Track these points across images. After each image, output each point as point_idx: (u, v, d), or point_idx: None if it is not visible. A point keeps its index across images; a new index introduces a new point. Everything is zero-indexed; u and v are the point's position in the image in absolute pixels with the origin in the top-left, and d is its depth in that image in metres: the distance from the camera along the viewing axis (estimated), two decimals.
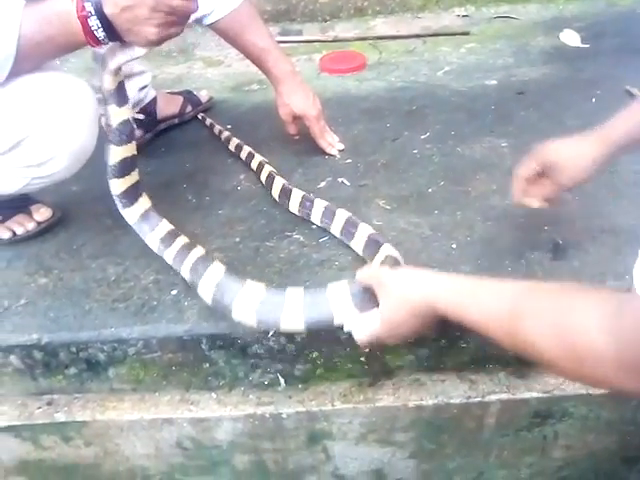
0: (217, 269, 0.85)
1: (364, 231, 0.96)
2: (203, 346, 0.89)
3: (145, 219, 0.97)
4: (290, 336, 0.88)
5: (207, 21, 1.13)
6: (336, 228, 1.01)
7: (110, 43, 0.82)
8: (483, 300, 0.62)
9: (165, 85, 1.63)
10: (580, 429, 1.00)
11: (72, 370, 0.93)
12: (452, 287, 0.67)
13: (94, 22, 0.78)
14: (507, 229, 1.01)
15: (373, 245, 0.92)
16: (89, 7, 0.78)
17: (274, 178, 1.13)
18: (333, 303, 0.78)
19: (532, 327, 0.55)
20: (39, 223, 1.09)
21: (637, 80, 1.42)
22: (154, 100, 1.35)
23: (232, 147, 1.30)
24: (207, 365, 0.92)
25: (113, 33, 0.80)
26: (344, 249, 0.99)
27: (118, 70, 0.86)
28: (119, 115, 0.90)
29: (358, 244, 0.97)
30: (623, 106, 1.35)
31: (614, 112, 1.34)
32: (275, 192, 1.12)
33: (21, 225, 1.08)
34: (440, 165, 1.19)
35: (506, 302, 0.60)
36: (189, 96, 1.44)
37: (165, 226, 0.97)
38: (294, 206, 1.07)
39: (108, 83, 0.87)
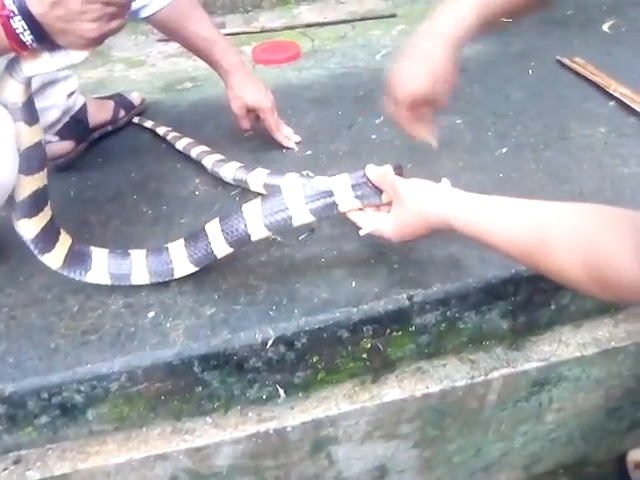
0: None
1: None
2: (195, 369, 0.81)
3: (74, 259, 0.85)
4: (290, 344, 0.82)
5: (145, 13, 1.03)
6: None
7: (37, 47, 0.68)
8: (504, 220, 0.63)
9: (87, 91, 1.48)
10: (572, 391, 1.03)
11: (43, 419, 0.81)
12: (470, 205, 0.67)
13: (18, 23, 0.65)
14: None
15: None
16: (10, 4, 0.65)
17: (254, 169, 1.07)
18: (336, 193, 0.79)
19: (557, 249, 0.57)
20: None
21: (564, 50, 1.48)
22: (84, 107, 1.22)
23: (180, 147, 1.20)
24: (200, 388, 0.84)
25: (43, 35, 0.67)
26: (327, 244, 0.94)
27: (30, 79, 0.72)
28: (29, 136, 0.75)
29: None
30: (557, 76, 1.43)
31: (551, 82, 1.42)
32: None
33: None
34: (402, 148, 1.16)
35: (529, 223, 0.60)
36: (120, 99, 1.32)
37: (101, 255, 0.86)
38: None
39: (17, 95, 0.72)
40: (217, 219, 0.83)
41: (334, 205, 0.80)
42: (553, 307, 0.94)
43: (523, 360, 0.94)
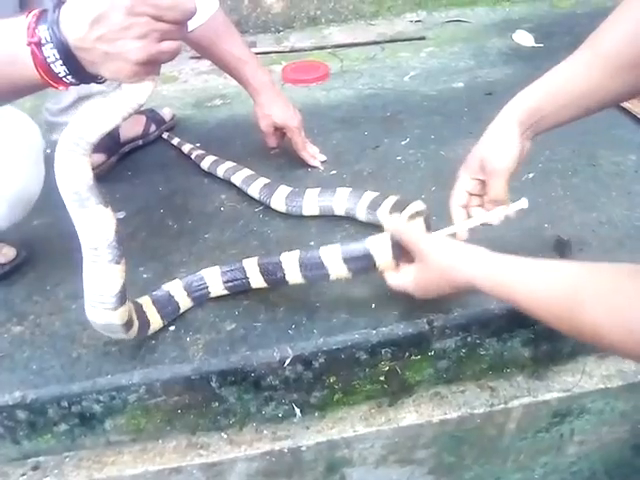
0: None
1: (390, 199, 0.97)
2: (213, 384, 0.81)
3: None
4: (308, 363, 0.82)
5: None
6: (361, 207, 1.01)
7: (75, 82, 0.60)
8: (534, 281, 0.61)
9: None
10: (595, 423, 1.00)
11: (62, 427, 0.82)
12: (496, 265, 0.66)
13: (50, 52, 0.56)
14: (508, 230, 0.99)
15: (400, 204, 0.92)
16: (43, 32, 0.56)
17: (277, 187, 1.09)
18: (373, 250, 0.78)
19: (595, 311, 0.54)
20: (3, 265, 0.98)
21: None
22: None
23: (205, 166, 1.22)
24: (216, 404, 0.84)
25: (78, 68, 0.58)
26: None
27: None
28: (112, 219, 0.66)
29: (384, 211, 0.96)
30: None
31: None
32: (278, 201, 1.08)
33: None
34: (427, 170, 1.16)
35: (562, 284, 0.58)
36: (152, 115, 1.35)
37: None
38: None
39: (87, 171, 0.63)
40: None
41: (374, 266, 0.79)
42: None
43: (544, 390, 0.91)
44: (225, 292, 0.89)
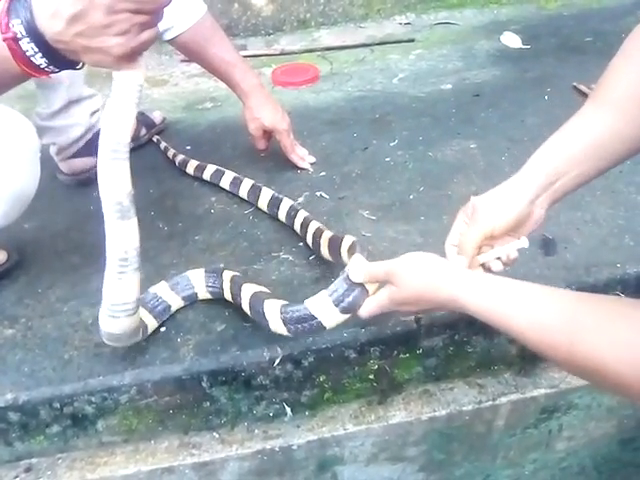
0: None
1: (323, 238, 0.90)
2: (204, 384, 0.82)
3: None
4: (297, 362, 0.83)
5: (167, 36, 1.06)
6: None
7: (56, 70, 0.60)
8: (529, 308, 0.58)
9: None
10: (583, 419, 1.01)
11: (54, 428, 0.83)
12: (485, 287, 0.62)
13: (27, 45, 0.56)
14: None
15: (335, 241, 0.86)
16: (17, 26, 0.55)
17: (260, 189, 1.09)
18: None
19: (596, 343, 0.52)
20: None
21: (581, 76, 1.49)
22: None
23: (191, 170, 1.22)
24: (207, 404, 0.85)
25: (55, 56, 0.58)
26: (336, 264, 0.95)
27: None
28: (137, 227, 0.68)
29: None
30: (573, 102, 1.43)
31: (567, 108, 1.42)
32: (263, 203, 1.08)
33: None
34: (415, 171, 1.18)
35: (559, 313, 0.55)
36: (142, 118, 1.36)
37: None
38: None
39: (128, 183, 0.64)
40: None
41: (320, 326, 0.74)
42: None
43: (532, 386, 0.93)
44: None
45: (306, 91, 1.59)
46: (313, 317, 0.73)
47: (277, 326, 0.76)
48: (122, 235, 0.66)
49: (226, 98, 1.56)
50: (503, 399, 0.92)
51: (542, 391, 0.93)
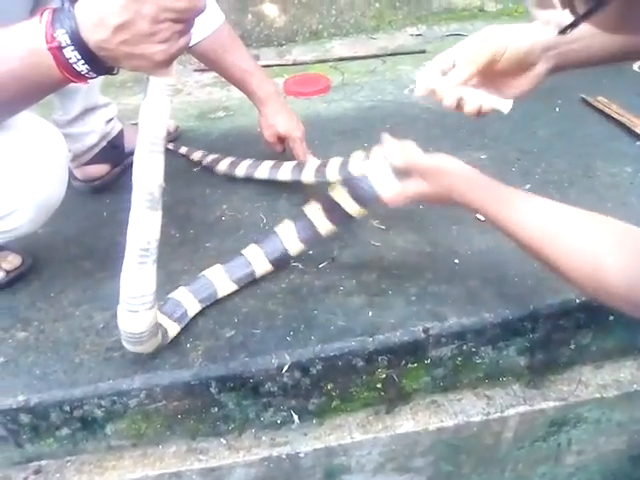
0: None
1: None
2: (212, 390, 0.82)
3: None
4: (305, 370, 0.83)
5: None
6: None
7: (95, 76, 0.64)
8: (525, 214, 0.70)
9: (124, 117, 1.56)
10: (593, 433, 1.00)
11: (64, 431, 0.84)
12: (495, 192, 0.74)
13: (71, 53, 0.60)
14: (505, 240, 1.01)
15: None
16: (62, 36, 0.59)
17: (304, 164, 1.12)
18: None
19: (560, 248, 0.66)
20: (8, 272, 1.00)
21: (593, 89, 1.49)
22: (121, 133, 1.28)
23: (223, 167, 1.24)
24: (216, 409, 0.85)
25: (96, 62, 0.62)
26: (346, 273, 0.96)
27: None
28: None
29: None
30: (582, 114, 1.43)
31: (576, 120, 1.42)
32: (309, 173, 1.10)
33: None
34: None
35: (547, 221, 0.68)
36: None
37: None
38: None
39: (161, 176, 0.68)
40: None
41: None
42: (573, 346, 0.93)
43: (540, 399, 0.92)
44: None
45: (317, 101, 1.60)
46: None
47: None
48: (148, 225, 0.69)
49: (238, 107, 1.58)
50: (511, 411, 0.91)
51: (551, 404, 0.92)
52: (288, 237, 0.93)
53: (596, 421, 0.98)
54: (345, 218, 0.89)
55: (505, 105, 0.80)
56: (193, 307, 0.89)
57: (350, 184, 0.87)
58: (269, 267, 0.94)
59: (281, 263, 0.95)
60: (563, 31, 0.46)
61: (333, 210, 0.89)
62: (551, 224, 0.68)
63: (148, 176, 0.68)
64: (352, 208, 0.88)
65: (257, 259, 0.93)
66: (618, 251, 0.61)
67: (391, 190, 0.82)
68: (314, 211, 0.91)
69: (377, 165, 0.84)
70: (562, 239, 0.66)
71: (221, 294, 0.91)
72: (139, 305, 0.72)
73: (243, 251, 0.94)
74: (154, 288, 0.73)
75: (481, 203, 0.74)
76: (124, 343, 0.78)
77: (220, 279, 0.91)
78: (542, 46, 0.76)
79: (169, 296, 0.88)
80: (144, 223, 0.69)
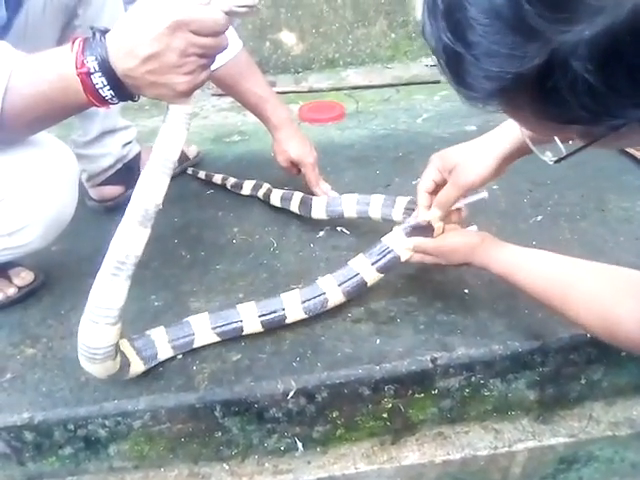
0: None
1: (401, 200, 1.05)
2: (217, 413, 0.82)
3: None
4: (311, 396, 0.82)
5: None
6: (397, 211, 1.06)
7: (117, 102, 0.68)
8: (536, 270, 0.75)
9: (141, 139, 1.59)
10: (605, 473, 0.97)
11: (67, 450, 0.84)
12: (507, 251, 0.79)
13: (99, 79, 0.64)
14: None
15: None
16: (91, 63, 0.63)
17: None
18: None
19: (577, 306, 0.69)
20: (20, 288, 1.01)
21: None
22: (138, 155, 1.31)
23: (247, 190, 1.27)
24: (219, 434, 0.85)
25: (120, 89, 0.66)
26: (355, 300, 0.95)
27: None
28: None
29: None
30: None
31: (590, 153, 1.42)
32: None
33: (0, 291, 0.99)
34: None
35: (556, 276, 0.72)
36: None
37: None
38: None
39: (161, 196, 0.70)
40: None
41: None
42: (583, 381, 0.91)
43: (550, 434, 0.90)
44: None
45: (332, 128, 1.62)
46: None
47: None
48: (132, 239, 0.69)
49: (253, 132, 1.60)
50: (520, 446, 0.89)
51: (561, 440, 0.90)
52: (290, 303, 0.88)
53: (608, 460, 0.95)
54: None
55: (484, 194, 0.87)
56: (165, 351, 0.85)
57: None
58: (259, 327, 0.88)
59: (272, 326, 0.88)
60: (558, 161, 0.52)
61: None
62: (560, 281, 0.72)
63: (149, 193, 0.69)
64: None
65: (247, 314, 0.87)
66: (628, 299, 0.63)
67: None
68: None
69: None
70: (572, 295, 0.69)
71: (198, 344, 0.87)
72: (101, 317, 0.69)
73: (238, 306, 0.88)
74: (121, 304, 0.70)
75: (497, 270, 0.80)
76: (79, 357, 0.74)
77: (203, 329, 0.86)
78: (504, 158, 0.81)
79: (146, 332, 0.85)
80: (129, 236, 0.69)
